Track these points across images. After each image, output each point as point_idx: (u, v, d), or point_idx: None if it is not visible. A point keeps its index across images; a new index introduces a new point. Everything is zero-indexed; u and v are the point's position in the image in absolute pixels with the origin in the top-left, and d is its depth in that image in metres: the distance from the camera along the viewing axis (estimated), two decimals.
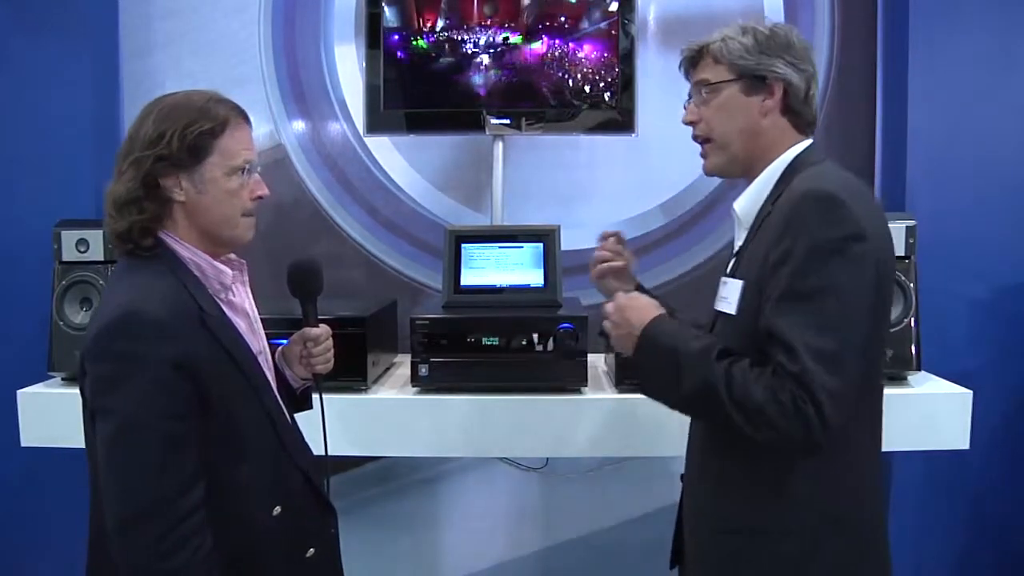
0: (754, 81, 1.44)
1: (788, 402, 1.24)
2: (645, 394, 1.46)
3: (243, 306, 1.46)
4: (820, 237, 1.28)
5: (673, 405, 1.43)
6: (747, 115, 1.45)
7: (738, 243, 1.50)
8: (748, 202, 1.47)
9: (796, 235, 1.29)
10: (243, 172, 1.39)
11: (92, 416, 1.30)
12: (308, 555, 1.46)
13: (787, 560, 1.38)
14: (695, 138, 1.52)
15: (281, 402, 1.48)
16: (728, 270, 1.50)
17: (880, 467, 1.47)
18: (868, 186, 1.43)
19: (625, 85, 2.40)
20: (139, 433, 1.24)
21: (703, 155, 1.52)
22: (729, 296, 1.43)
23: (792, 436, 1.26)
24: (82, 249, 2.21)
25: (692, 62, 1.52)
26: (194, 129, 1.33)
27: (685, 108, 1.54)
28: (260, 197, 1.43)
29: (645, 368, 1.45)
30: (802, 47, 1.46)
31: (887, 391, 2.04)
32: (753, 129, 1.46)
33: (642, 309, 1.47)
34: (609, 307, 1.51)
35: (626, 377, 2.08)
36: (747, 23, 1.48)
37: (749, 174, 1.49)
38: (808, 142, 1.48)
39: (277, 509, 1.39)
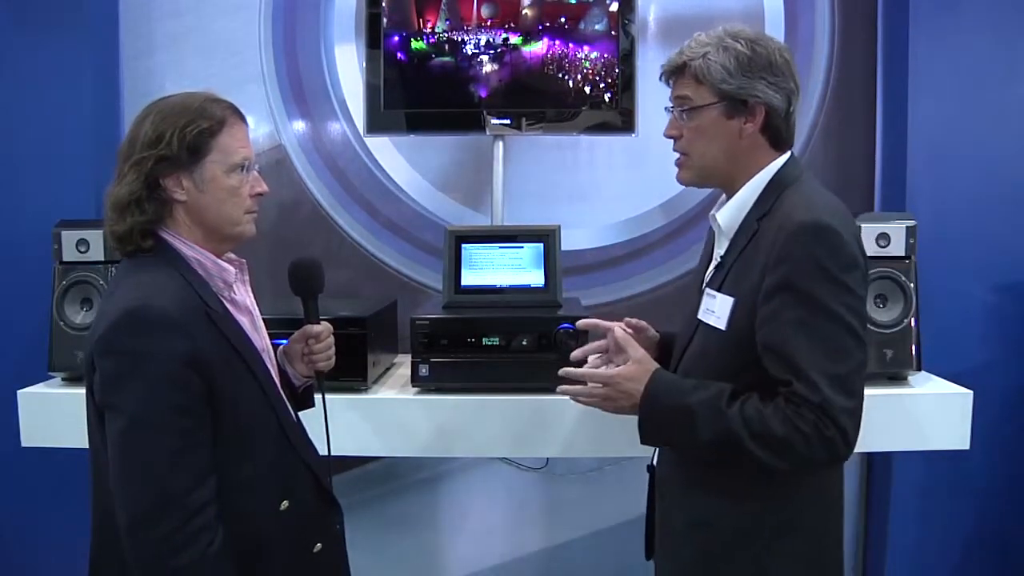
0: (735, 104, 1.43)
1: (811, 431, 1.30)
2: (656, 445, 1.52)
3: (245, 304, 1.47)
4: (824, 268, 1.32)
5: (692, 454, 1.46)
6: (727, 137, 1.45)
7: (719, 252, 1.51)
8: (730, 214, 1.49)
9: (796, 264, 1.33)
10: (242, 169, 1.40)
11: (100, 414, 1.31)
12: (315, 550, 1.46)
13: (752, 556, 1.43)
14: (676, 150, 1.52)
15: (285, 399, 1.49)
16: (710, 280, 1.51)
17: (842, 481, 1.53)
18: (842, 201, 1.45)
19: (625, 85, 2.39)
20: (149, 429, 1.25)
21: (678, 165, 1.52)
22: (718, 311, 1.44)
23: (819, 460, 1.33)
24: (82, 249, 2.21)
25: (673, 75, 1.50)
26: (192, 128, 1.34)
27: (668, 112, 1.53)
28: (260, 194, 1.44)
29: (655, 428, 1.45)
30: (783, 63, 1.44)
31: (887, 391, 2.09)
32: (732, 150, 1.46)
33: (634, 374, 1.45)
34: (601, 381, 1.47)
35: None
36: (727, 36, 1.44)
37: (725, 187, 1.51)
38: (787, 156, 1.48)
39: (284, 504, 1.41)
